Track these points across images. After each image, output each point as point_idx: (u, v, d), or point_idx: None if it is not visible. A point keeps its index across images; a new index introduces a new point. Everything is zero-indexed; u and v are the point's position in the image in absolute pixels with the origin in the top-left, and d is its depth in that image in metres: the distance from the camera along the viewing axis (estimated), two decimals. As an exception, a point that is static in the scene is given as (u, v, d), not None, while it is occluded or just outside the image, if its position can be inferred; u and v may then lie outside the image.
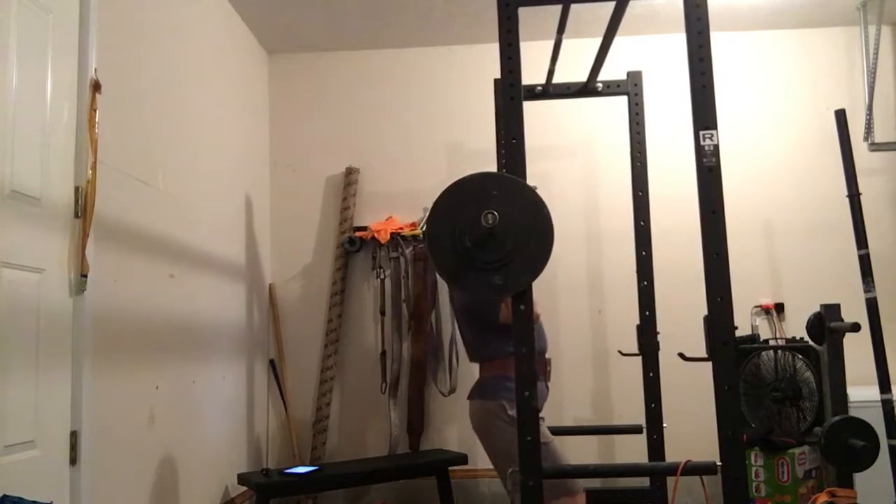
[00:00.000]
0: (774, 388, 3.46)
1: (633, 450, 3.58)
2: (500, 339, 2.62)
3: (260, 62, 4.17)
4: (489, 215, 2.09)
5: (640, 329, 3.26)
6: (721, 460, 1.88)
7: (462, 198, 2.21)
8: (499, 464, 2.60)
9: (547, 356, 2.75)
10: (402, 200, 4.11)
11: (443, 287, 3.94)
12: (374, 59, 4.23)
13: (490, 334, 2.64)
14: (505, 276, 2.22)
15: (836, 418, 2.48)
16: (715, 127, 1.98)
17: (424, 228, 3.81)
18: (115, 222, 2.43)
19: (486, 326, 2.64)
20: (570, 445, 3.80)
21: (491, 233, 2.16)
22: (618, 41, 2.77)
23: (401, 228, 4.00)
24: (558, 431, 3.66)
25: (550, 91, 3.34)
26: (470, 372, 3.94)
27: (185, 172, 3.03)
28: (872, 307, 2.76)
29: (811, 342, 2.99)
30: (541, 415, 2.66)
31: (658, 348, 3.24)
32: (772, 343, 3.64)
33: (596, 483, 3.59)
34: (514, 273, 2.23)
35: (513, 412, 2.51)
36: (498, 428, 2.55)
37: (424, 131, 4.16)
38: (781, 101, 4.05)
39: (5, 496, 1.69)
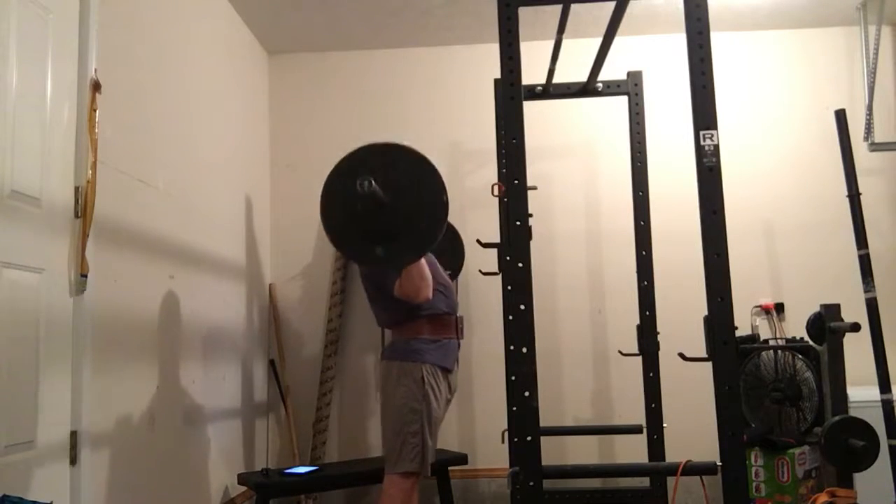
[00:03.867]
0: (774, 388, 3.46)
1: (633, 450, 3.58)
2: (405, 306, 2.62)
3: (260, 62, 4.17)
4: (365, 182, 2.08)
5: (640, 329, 3.26)
6: (721, 460, 1.88)
7: (370, 161, 2.21)
8: (386, 418, 2.61)
9: (459, 314, 2.79)
10: (402, 200, 4.10)
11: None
12: (374, 59, 4.23)
13: (394, 303, 2.64)
14: (387, 250, 2.22)
15: (836, 418, 2.48)
16: (715, 127, 1.98)
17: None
18: (115, 222, 2.43)
19: (390, 296, 2.63)
20: (571, 445, 3.82)
21: (379, 203, 2.14)
22: (618, 41, 2.77)
23: (401, 228, 4.00)
24: (558, 431, 3.68)
25: (550, 91, 3.34)
26: (470, 372, 3.95)
27: (185, 172, 3.03)
28: (872, 307, 2.76)
29: (811, 342, 2.99)
30: (452, 370, 2.74)
31: (658, 348, 3.24)
32: (772, 343, 3.64)
33: (596, 483, 3.59)
34: (397, 249, 2.23)
35: (418, 374, 2.55)
36: (401, 387, 2.57)
37: (424, 131, 4.15)
38: (781, 101, 4.05)
39: (5, 496, 1.68)
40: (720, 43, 3.57)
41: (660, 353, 3.24)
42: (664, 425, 3.21)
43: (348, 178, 2.18)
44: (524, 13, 2.12)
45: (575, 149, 4.12)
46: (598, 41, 2.81)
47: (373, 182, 2.09)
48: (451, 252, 3.59)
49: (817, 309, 2.81)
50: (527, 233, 2.03)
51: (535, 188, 2.58)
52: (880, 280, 2.87)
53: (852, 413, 2.58)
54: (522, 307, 1.98)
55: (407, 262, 2.38)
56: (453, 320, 2.73)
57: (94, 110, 2.24)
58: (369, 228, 2.24)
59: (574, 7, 2.59)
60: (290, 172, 4.20)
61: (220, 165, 3.45)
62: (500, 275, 3.25)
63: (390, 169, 2.24)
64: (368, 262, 2.46)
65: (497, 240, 3.30)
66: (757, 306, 3.90)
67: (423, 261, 2.50)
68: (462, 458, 3.58)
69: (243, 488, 3.40)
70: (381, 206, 2.19)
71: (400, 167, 2.26)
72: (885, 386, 2.70)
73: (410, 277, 2.50)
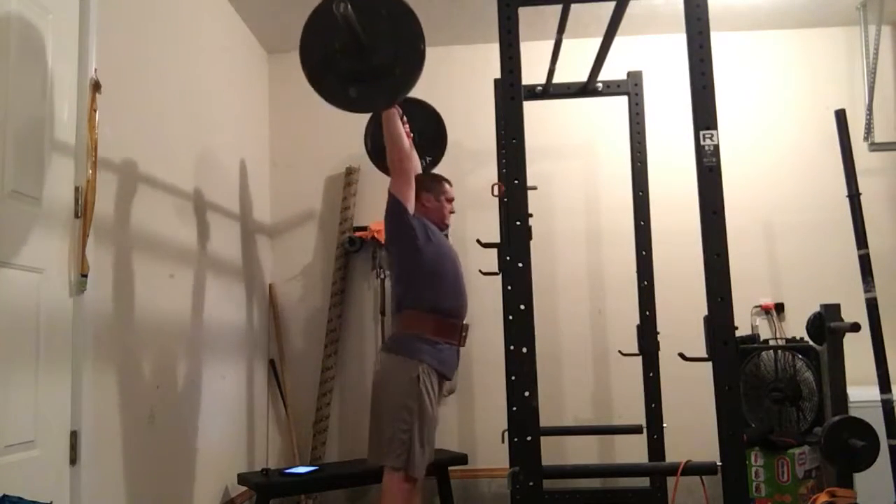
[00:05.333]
0: (774, 388, 3.46)
1: (633, 450, 3.57)
2: (420, 284, 2.64)
3: (260, 62, 4.16)
4: (341, 5, 2.09)
5: (640, 329, 3.26)
6: (721, 460, 1.89)
7: (354, 1, 2.18)
8: (376, 409, 2.60)
9: (465, 322, 2.79)
10: (402, 200, 4.10)
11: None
12: (374, 59, 4.22)
13: (413, 275, 2.65)
14: (360, 91, 2.25)
15: (836, 418, 2.48)
16: (715, 127, 1.98)
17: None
18: (115, 222, 2.43)
19: (409, 263, 2.64)
20: (570, 445, 3.82)
21: (355, 36, 2.12)
22: (618, 41, 2.77)
23: (401, 228, 3.99)
24: (558, 431, 3.68)
25: (550, 91, 3.34)
26: (470, 372, 3.95)
27: (185, 172, 3.03)
28: (872, 307, 2.76)
29: (811, 342, 2.99)
30: (449, 378, 2.74)
31: (658, 348, 3.24)
32: (772, 343, 3.64)
33: (596, 483, 3.59)
34: (370, 91, 2.24)
35: (414, 372, 2.54)
36: (396, 381, 2.56)
37: (424, 131, 4.15)
38: (781, 101, 4.05)
39: (5, 496, 1.69)
40: (720, 43, 3.56)
41: (660, 353, 3.24)
42: (664, 425, 3.20)
43: (328, 15, 2.18)
44: (524, 13, 2.12)
45: (575, 149, 4.12)
46: (598, 41, 2.81)
47: (349, 6, 2.08)
48: (433, 137, 3.49)
49: (817, 309, 2.80)
50: (527, 233, 2.04)
51: (535, 188, 2.57)
52: (880, 280, 2.86)
53: (852, 413, 2.58)
54: (522, 307, 1.98)
55: (378, 105, 2.39)
56: (459, 327, 2.72)
57: (94, 110, 2.24)
58: (345, 69, 2.24)
59: (574, 7, 2.58)
60: (290, 172, 4.20)
61: (219, 165, 3.45)
62: (500, 275, 3.25)
63: (371, 11, 2.24)
64: (341, 103, 2.44)
65: (497, 240, 3.29)
66: (757, 306, 3.90)
67: (395, 116, 2.52)
68: (462, 458, 3.58)
69: (243, 488, 3.40)
70: (359, 45, 2.19)
71: (381, 11, 2.26)
72: (885, 386, 2.70)
73: (387, 133, 2.56)
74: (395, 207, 2.62)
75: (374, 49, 2.22)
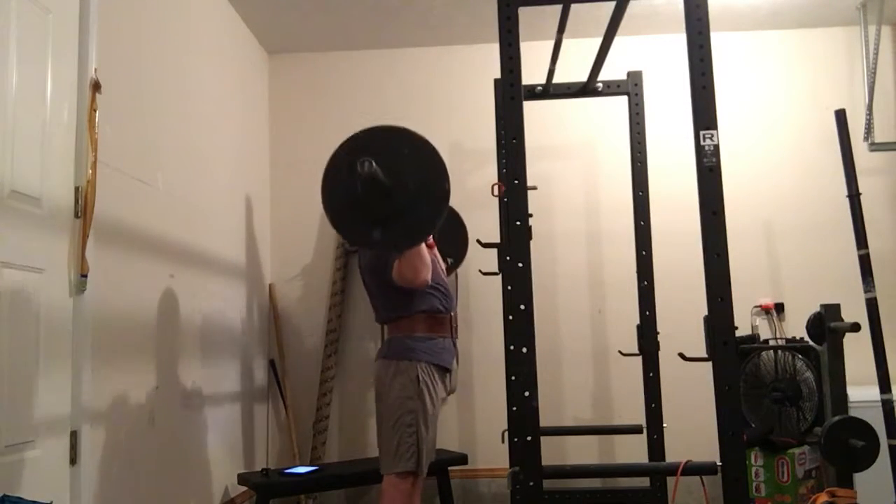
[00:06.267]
0: (774, 388, 3.46)
1: (633, 450, 3.58)
2: (403, 300, 2.62)
3: (260, 62, 4.17)
4: (365, 163, 2.08)
5: (640, 329, 3.26)
6: (721, 460, 1.88)
7: (372, 143, 2.18)
8: (381, 417, 2.59)
9: (452, 314, 2.77)
10: (402, 200, 4.10)
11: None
12: (374, 59, 4.23)
13: (394, 295, 2.63)
14: (385, 234, 2.22)
15: (836, 418, 2.48)
16: (715, 127, 1.98)
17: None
18: (115, 222, 2.43)
19: (389, 287, 2.62)
20: (571, 445, 3.82)
21: (380, 185, 2.14)
22: (618, 41, 2.77)
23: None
24: (558, 431, 3.68)
25: (550, 91, 3.34)
26: (470, 372, 3.95)
27: (185, 172, 3.03)
28: (872, 307, 2.76)
29: (811, 342, 2.99)
30: (451, 369, 2.69)
31: (658, 348, 3.24)
32: (772, 343, 3.64)
33: (596, 483, 3.59)
34: (395, 234, 2.23)
35: (413, 373, 2.54)
36: (396, 385, 2.55)
37: (424, 131, 4.10)
38: (781, 101, 4.05)
39: (5, 496, 1.69)
40: (720, 43, 3.57)
41: (660, 353, 3.24)
42: (664, 425, 3.21)
43: (350, 160, 2.18)
44: (524, 13, 2.12)
45: (575, 149, 4.12)
46: (598, 41, 2.81)
47: (373, 163, 2.09)
48: (455, 240, 3.54)
49: (817, 309, 2.81)
50: (527, 233, 2.04)
51: (535, 188, 2.57)
52: (880, 280, 2.87)
53: (852, 413, 2.58)
54: (522, 307, 1.98)
55: (404, 247, 2.38)
56: (448, 319, 2.73)
57: (94, 110, 2.24)
58: (368, 211, 2.24)
59: (574, 7, 2.58)
60: (290, 172, 4.20)
61: (220, 165, 3.45)
62: (500, 275, 3.25)
63: (393, 152, 2.24)
64: (365, 245, 2.44)
65: (497, 240, 3.29)
66: (757, 306, 3.90)
67: (422, 245, 2.48)
68: (462, 458, 3.58)
69: (243, 488, 3.40)
70: (382, 190, 2.19)
71: (403, 151, 2.25)
72: (885, 386, 2.70)
73: (409, 261, 2.47)
74: (385, 277, 2.59)
75: (397, 192, 2.22)
